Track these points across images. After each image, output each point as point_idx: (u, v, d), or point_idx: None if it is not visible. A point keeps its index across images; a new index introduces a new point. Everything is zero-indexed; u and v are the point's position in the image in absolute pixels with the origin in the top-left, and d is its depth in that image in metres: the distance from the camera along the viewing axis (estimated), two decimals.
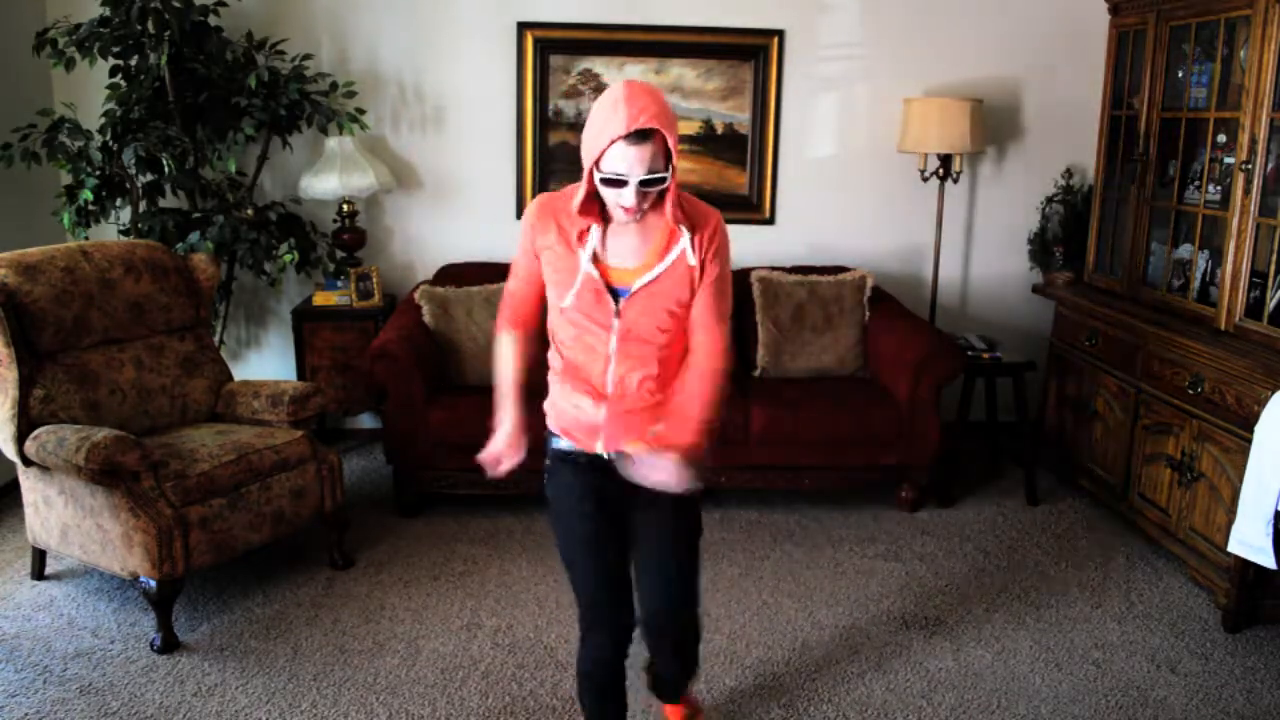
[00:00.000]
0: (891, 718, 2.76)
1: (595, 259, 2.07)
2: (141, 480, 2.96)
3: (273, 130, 4.21)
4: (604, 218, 2.06)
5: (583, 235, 2.07)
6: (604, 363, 2.13)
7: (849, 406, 3.95)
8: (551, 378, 2.25)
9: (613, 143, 1.89)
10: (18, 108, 4.04)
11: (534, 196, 4.65)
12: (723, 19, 4.55)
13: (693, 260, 2.07)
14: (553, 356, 2.23)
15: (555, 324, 2.19)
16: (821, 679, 2.93)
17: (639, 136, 1.88)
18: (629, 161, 1.90)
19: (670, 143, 1.93)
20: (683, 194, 2.08)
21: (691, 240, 2.07)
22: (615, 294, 2.09)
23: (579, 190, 2.02)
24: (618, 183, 1.93)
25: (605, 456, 2.19)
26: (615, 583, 2.22)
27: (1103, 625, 3.26)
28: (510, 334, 2.25)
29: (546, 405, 2.28)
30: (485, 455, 2.20)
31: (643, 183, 1.92)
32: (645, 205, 1.98)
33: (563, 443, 2.25)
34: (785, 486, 4.04)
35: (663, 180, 1.94)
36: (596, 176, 1.96)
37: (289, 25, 4.44)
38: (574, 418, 2.20)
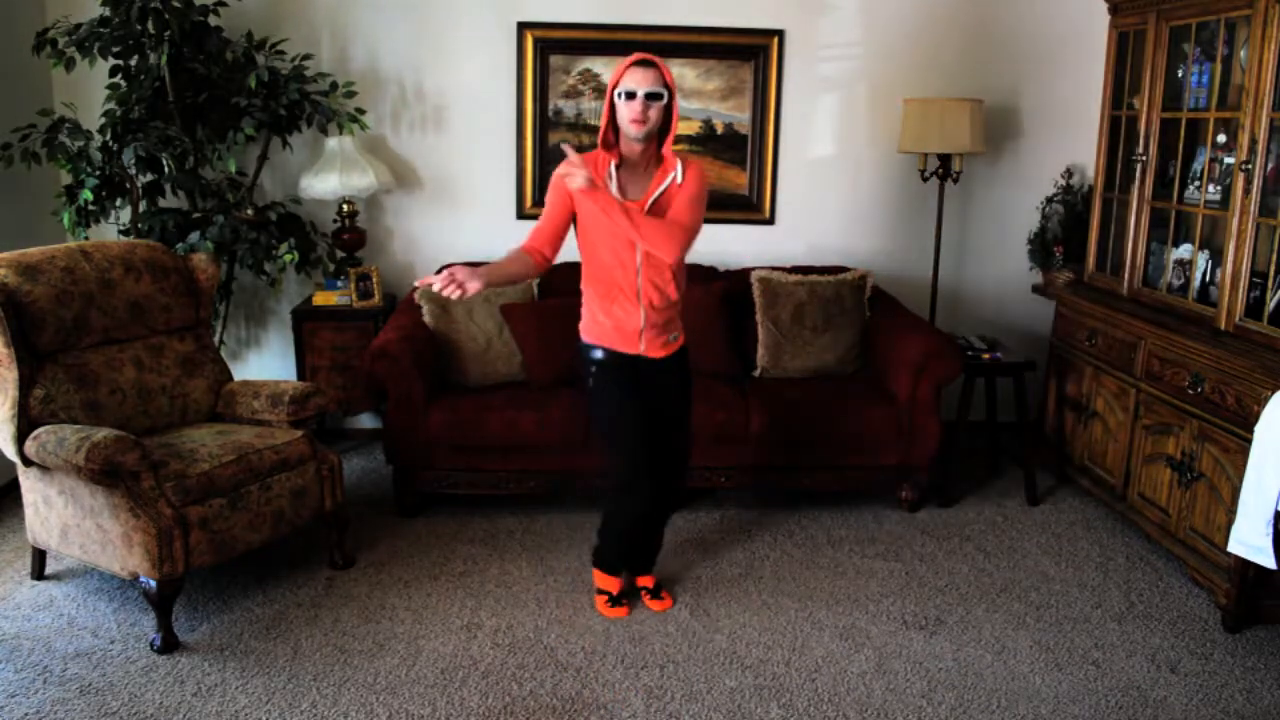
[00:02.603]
0: (891, 718, 2.76)
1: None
2: (141, 480, 2.96)
3: (273, 130, 4.21)
4: (619, 157, 2.84)
5: (603, 179, 2.78)
6: (634, 274, 2.86)
7: (849, 406, 3.95)
8: (589, 305, 2.94)
9: (628, 68, 2.72)
10: (18, 108, 4.04)
11: (533, 196, 4.67)
12: (723, 19, 4.55)
13: (679, 181, 2.85)
14: (588, 288, 2.92)
15: (593, 255, 2.88)
16: (821, 679, 2.93)
17: (645, 64, 2.73)
18: (637, 80, 2.71)
19: (668, 79, 2.74)
20: (676, 153, 2.89)
21: (681, 173, 2.86)
22: None
23: (602, 121, 2.82)
24: (630, 95, 2.71)
25: (643, 359, 2.92)
26: (654, 458, 2.96)
27: (1103, 625, 3.26)
28: (523, 252, 2.85)
29: (583, 325, 2.97)
30: (448, 272, 2.64)
31: (647, 95, 2.70)
32: (649, 120, 2.73)
33: (602, 352, 2.94)
34: (785, 486, 4.04)
35: (661, 96, 2.72)
36: (616, 94, 2.73)
37: (289, 25, 4.45)
38: (614, 326, 2.90)
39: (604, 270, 2.88)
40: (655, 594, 3.30)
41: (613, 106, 2.80)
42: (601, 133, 2.85)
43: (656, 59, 2.76)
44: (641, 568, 3.32)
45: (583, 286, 2.98)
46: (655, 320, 2.92)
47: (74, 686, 2.82)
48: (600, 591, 3.29)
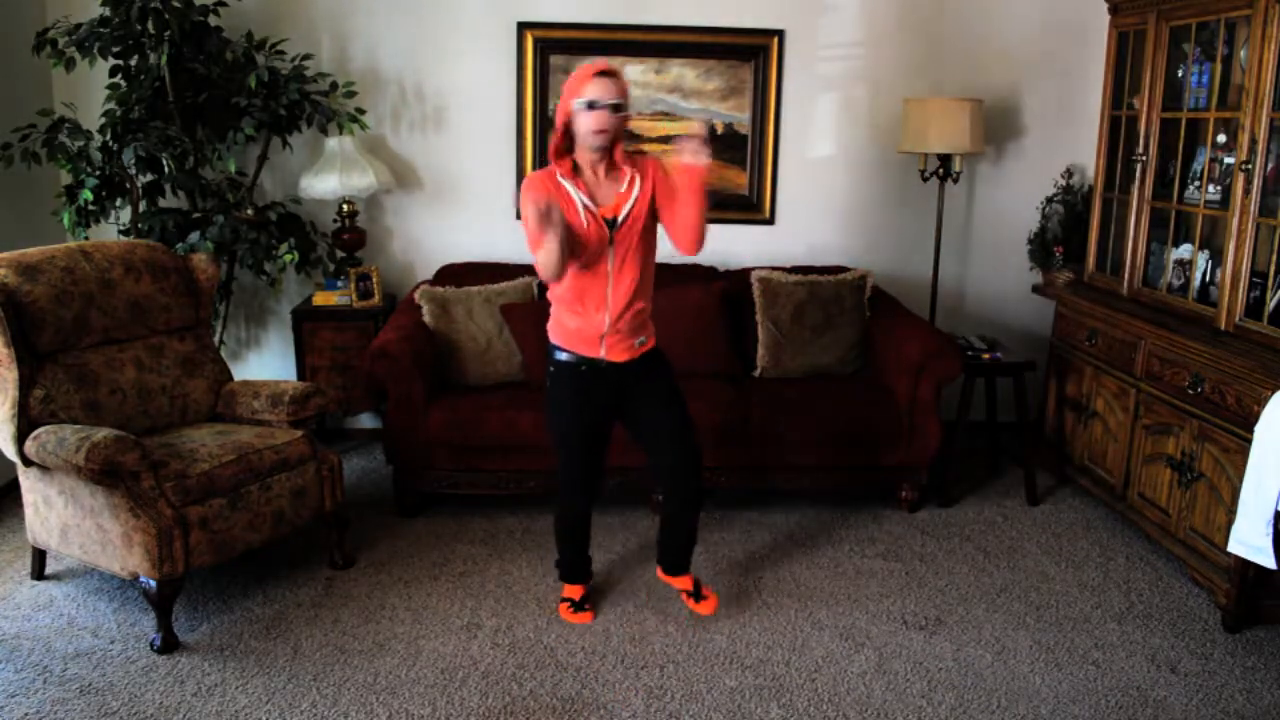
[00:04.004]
0: (891, 718, 2.76)
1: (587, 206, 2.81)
2: (141, 480, 2.96)
3: (273, 130, 4.21)
4: (575, 170, 2.83)
5: (566, 193, 2.79)
6: (604, 281, 2.85)
7: (849, 406, 3.95)
8: (557, 307, 2.94)
9: (590, 78, 2.71)
10: (18, 108, 4.04)
11: None
12: (723, 19, 4.55)
13: (641, 189, 2.85)
14: (556, 291, 2.90)
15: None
16: (821, 679, 2.93)
17: (607, 74, 2.73)
18: (599, 90, 2.70)
19: (624, 92, 2.75)
20: (627, 153, 2.87)
21: (641, 177, 2.85)
22: (609, 224, 2.83)
23: (553, 137, 2.81)
24: (593, 105, 2.70)
25: (604, 362, 2.90)
26: (592, 464, 3.06)
27: (1103, 625, 3.26)
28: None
29: (550, 326, 2.98)
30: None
31: (609, 106, 2.71)
32: (610, 129, 2.74)
33: (564, 354, 2.94)
34: (785, 486, 4.04)
35: (620, 108, 2.74)
36: (575, 104, 2.71)
37: (289, 25, 4.45)
38: (577, 330, 2.89)
39: (575, 275, 2.84)
40: (696, 595, 3.22)
41: (567, 117, 2.78)
42: (556, 143, 2.82)
43: (617, 70, 2.77)
44: (674, 568, 3.24)
45: (550, 291, 2.95)
46: (620, 327, 2.89)
47: (74, 686, 2.82)
48: (563, 599, 3.28)
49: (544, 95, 4.58)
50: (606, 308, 2.86)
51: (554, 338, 2.98)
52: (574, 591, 3.28)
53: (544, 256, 2.70)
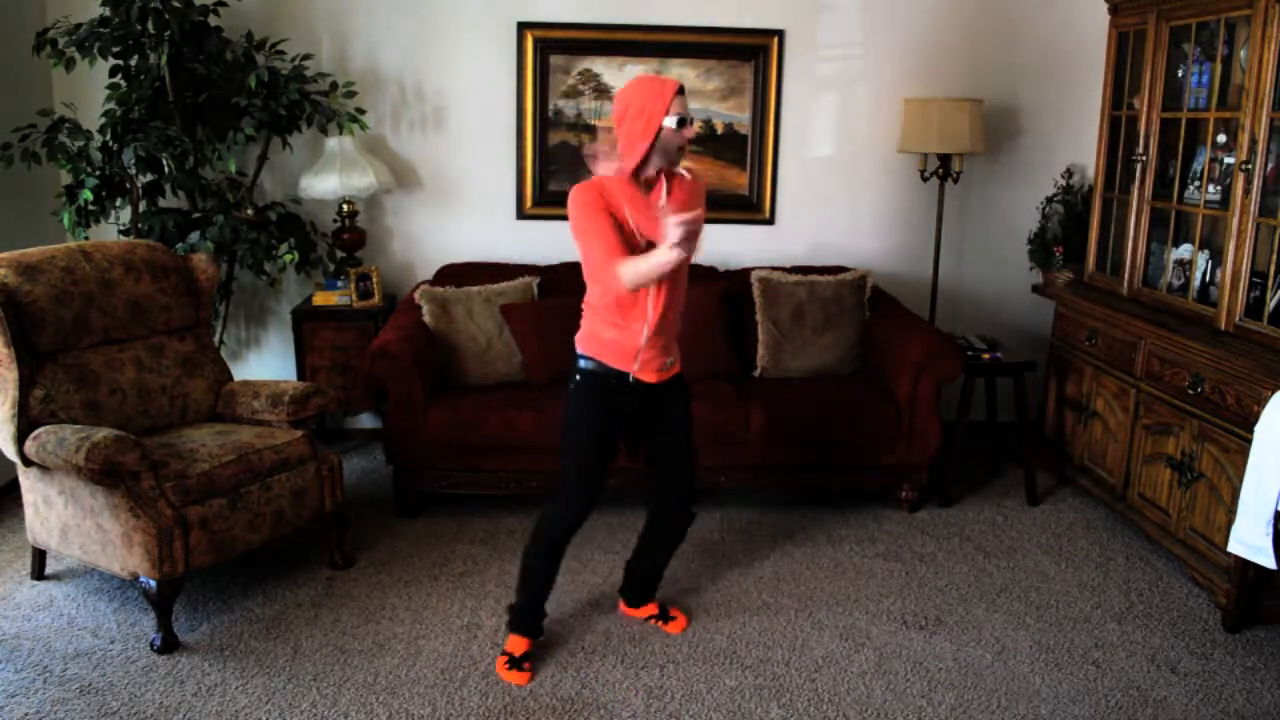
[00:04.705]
0: (891, 718, 2.76)
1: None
2: (141, 480, 2.96)
3: (273, 130, 4.21)
4: (641, 185, 2.75)
5: (620, 206, 2.69)
6: (647, 293, 2.76)
7: (849, 407, 3.95)
8: (593, 318, 2.84)
9: (675, 96, 2.66)
10: (18, 108, 4.04)
11: (533, 196, 4.66)
12: (723, 19, 4.55)
13: (687, 206, 2.75)
14: (595, 303, 2.82)
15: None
16: (821, 679, 2.93)
17: (682, 90, 2.70)
18: (683, 106, 2.69)
19: None
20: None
21: (690, 193, 2.81)
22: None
23: (639, 146, 2.66)
24: (682, 122, 2.68)
25: (633, 378, 2.82)
26: (596, 480, 2.91)
27: (1103, 625, 3.26)
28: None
29: (580, 337, 2.87)
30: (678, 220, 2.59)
31: (690, 121, 2.72)
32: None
33: (592, 364, 2.84)
34: (785, 486, 4.04)
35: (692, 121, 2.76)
36: (667, 122, 2.65)
37: (289, 25, 4.45)
38: (612, 343, 2.81)
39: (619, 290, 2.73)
40: (664, 617, 3.20)
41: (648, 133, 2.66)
42: (640, 159, 2.69)
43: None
44: (641, 599, 3.23)
45: (587, 301, 2.85)
46: (656, 344, 2.81)
47: (74, 686, 2.82)
48: (504, 653, 2.97)
49: (544, 95, 4.58)
50: (647, 320, 2.77)
51: (585, 348, 2.85)
52: (519, 645, 2.98)
53: (654, 269, 2.60)
